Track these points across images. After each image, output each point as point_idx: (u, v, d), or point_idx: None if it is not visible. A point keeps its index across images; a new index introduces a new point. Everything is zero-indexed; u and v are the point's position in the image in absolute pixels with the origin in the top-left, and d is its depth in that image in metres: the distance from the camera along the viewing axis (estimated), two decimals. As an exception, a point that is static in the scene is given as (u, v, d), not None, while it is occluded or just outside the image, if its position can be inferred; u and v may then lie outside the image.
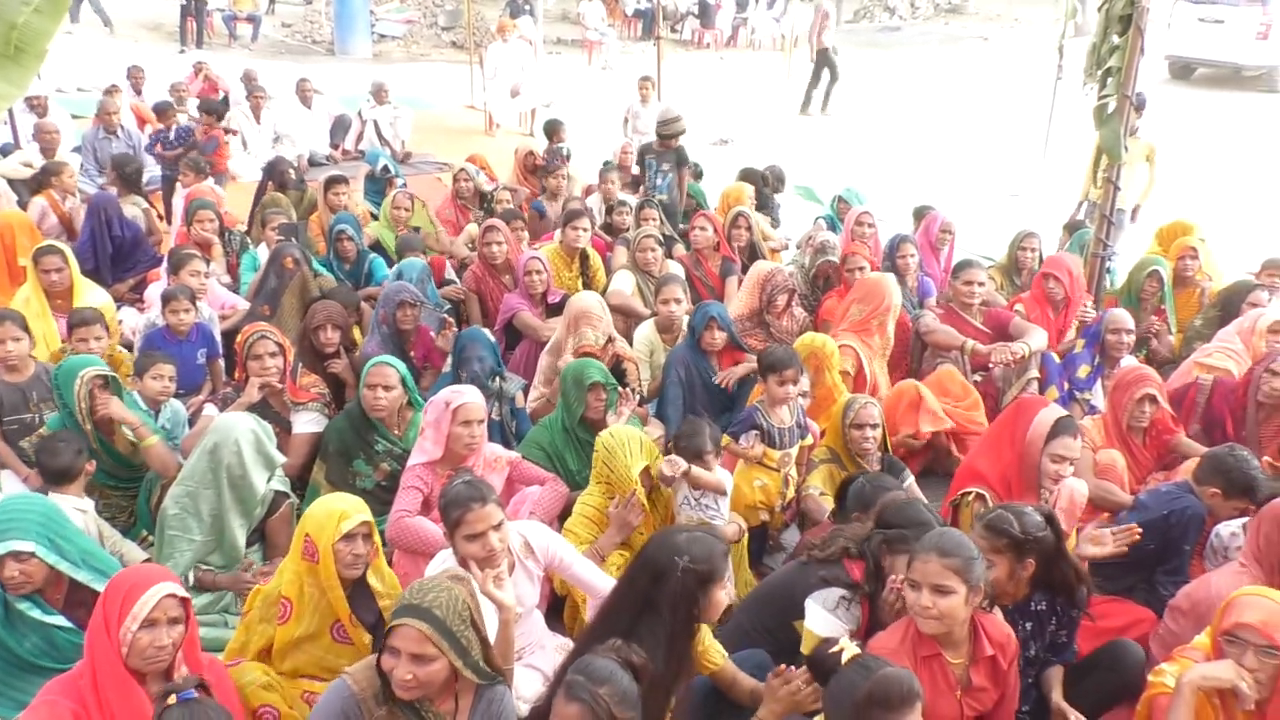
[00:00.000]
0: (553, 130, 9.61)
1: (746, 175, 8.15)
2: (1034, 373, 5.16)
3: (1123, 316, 5.20)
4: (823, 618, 3.00)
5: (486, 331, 5.14)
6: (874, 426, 4.13)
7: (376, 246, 6.93)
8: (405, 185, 8.28)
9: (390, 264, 6.46)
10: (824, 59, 15.22)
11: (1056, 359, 5.29)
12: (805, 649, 3.00)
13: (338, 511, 3.00)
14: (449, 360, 4.75)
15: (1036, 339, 5.16)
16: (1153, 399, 4.42)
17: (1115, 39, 5.62)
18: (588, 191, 8.53)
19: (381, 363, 4.18)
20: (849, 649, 2.43)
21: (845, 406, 4.21)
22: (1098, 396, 5.15)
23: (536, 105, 12.94)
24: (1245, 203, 10.21)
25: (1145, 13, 5.44)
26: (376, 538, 3.10)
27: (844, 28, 24.94)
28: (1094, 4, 6.17)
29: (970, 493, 3.59)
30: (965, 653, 2.76)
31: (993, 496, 3.56)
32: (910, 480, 4.28)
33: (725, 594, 2.75)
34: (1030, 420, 3.59)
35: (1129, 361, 5.13)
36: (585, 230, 6.27)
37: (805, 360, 4.47)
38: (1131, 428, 4.48)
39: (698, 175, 8.21)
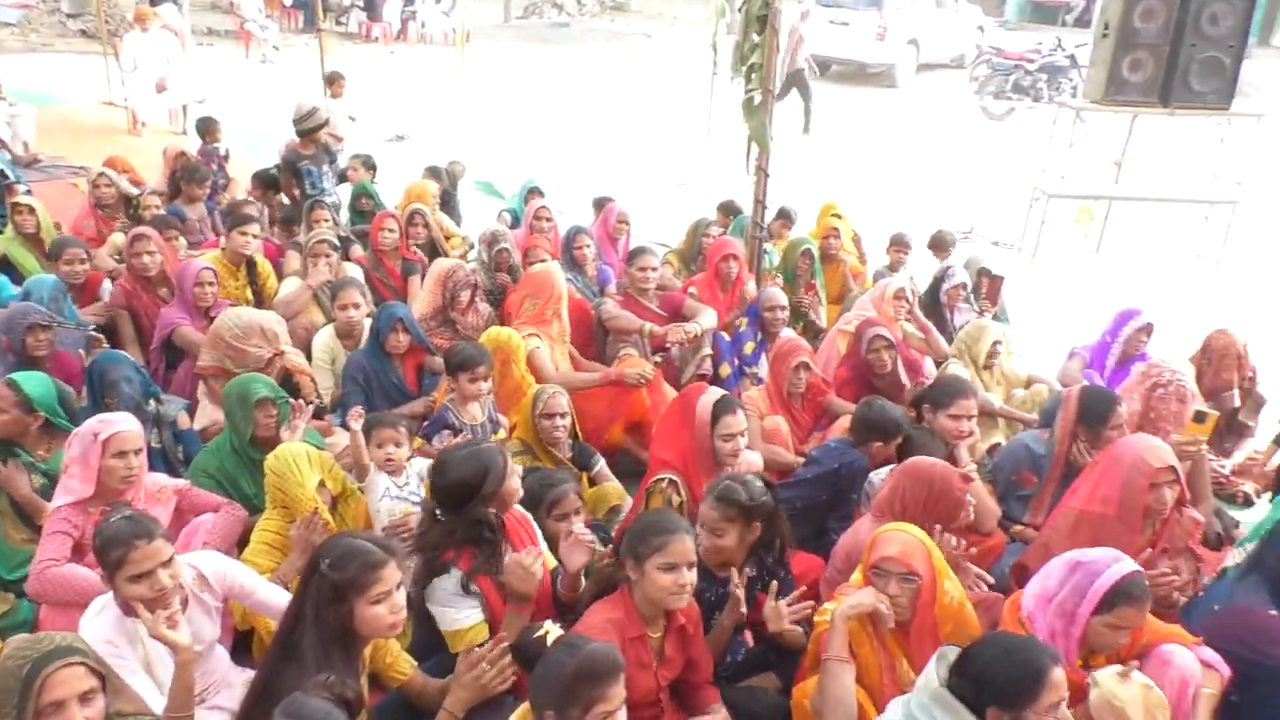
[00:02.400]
0: (206, 128, 8.83)
1: (432, 174, 8.00)
2: (707, 350, 5.51)
3: (776, 294, 5.66)
4: (439, 612, 3.05)
5: (123, 353, 4.64)
6: (563, 415, 4.21)
7: (3, 263, 6.06)
8: (29, 191, 7.29)
9: (18, 281, 5.68)
10: (794, 79, 14.34)
11: (726, 338, 5.68)
12: (452, 648, 3.03)
13: None
14: (85, 391, 4.24)
15: (707, 318, 5.50)
16: (806, 366, 4.88)
17: (755, 37, 6.10)
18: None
19: None
20: (553, 631, 2.47)
21: (534, 398, 4.26)
22: (764, 369, 5.59)
23: (188, 101, 11.94)
24: (874, 184, 11.52)
25: (779, 14, 5.94)
26: None
27: (514, 24, 25.21)
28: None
29: (663, 479, 3.74)
30: (661, 626, 2.88)
31: (682, 481, 3.73)
32: (600, 465, 4.43)
33: (386, 607, 2.57)
34: (694, 408, 3.79)
35: (787, 334, 5.62)
36: (254, 236, 5.86)
37: (492, 354, 4.49)
38: (790, 394, 4.91)
39: (371, 167, 7.94)
